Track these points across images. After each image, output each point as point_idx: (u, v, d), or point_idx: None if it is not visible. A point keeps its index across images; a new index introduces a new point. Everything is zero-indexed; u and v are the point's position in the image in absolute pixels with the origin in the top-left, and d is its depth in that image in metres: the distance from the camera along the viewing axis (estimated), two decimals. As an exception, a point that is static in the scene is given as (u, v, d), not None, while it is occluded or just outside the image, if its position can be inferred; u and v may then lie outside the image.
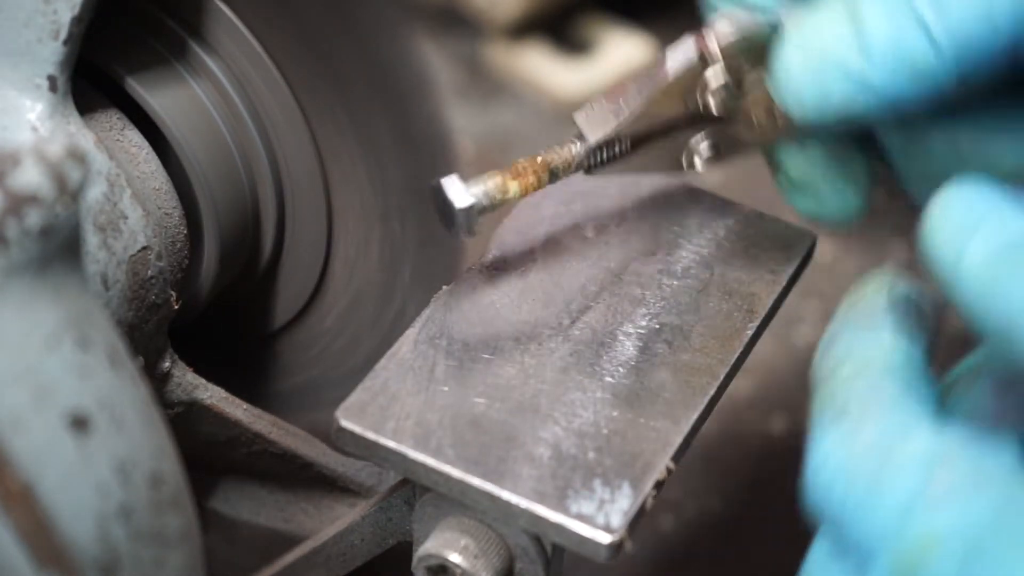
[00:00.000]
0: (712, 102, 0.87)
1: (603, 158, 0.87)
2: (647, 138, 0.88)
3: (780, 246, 0.94)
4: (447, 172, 0.90)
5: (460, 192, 0.84)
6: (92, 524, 0.69)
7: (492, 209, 0.85)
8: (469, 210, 0.83)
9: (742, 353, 0.88)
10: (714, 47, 0.86)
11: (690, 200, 0.96)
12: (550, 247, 0.92)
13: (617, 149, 0.87)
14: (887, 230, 1.36)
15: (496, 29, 1.51)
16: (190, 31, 0.94)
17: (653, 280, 0.91)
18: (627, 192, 0.96)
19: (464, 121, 1.44)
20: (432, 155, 0.91)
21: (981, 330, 0.69)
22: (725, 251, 0.93)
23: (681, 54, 0.86)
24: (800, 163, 0.89)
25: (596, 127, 0.87)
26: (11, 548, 0.68)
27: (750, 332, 0.89)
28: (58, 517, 0.68)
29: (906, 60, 0.78)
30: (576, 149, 0.87)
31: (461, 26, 1.52)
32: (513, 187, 0.85)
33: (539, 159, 0.86)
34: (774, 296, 0.91)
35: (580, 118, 0.87)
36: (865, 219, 1.33)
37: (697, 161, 0.89)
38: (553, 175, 0.86)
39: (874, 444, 0.70)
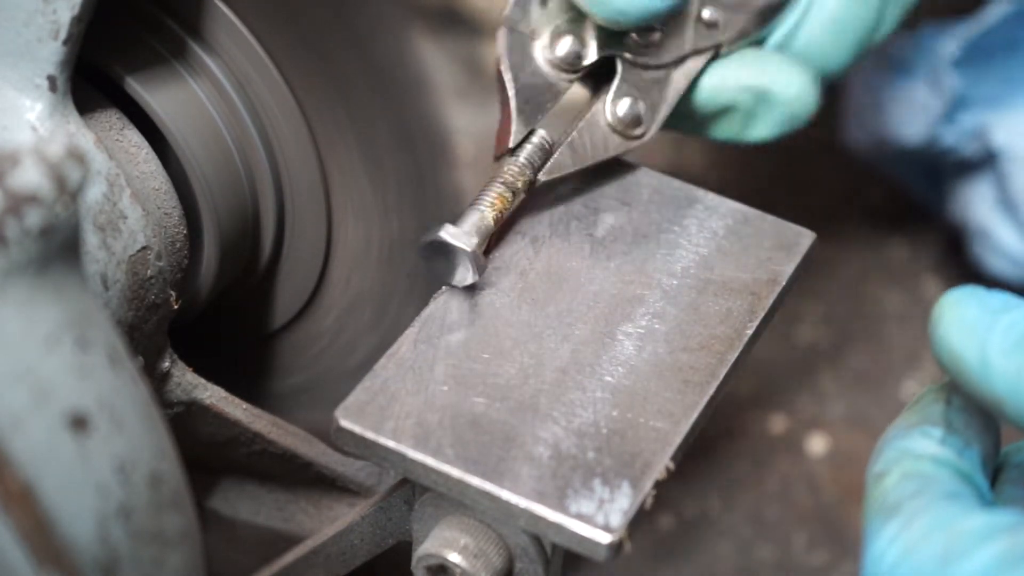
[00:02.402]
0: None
1: (539, 159, 0.93)
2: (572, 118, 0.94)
3: (780, 246, 0.94)
4: (447, 172, 0.91)
5: (461, 236, 0.87)
6: (92, 524, 0.69)
7: (483, 245, 0.89)
8: (475, 252, 0.87)
9: (742, 353, 0.88)
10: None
11: (690, 200, 0.96)
12: (550, 247, 0.92)
13: (541, 141, 0.93)
14: (886, 229, 1.36)
15: (496, 29, 1.50)
16: (190, 31, 0.94)
17: (653, 280, 0.91)
18: (627, 192, 0.96)
19: (464, 121, 1.44)
20: (431, 155, 0.91)
21: (1015, 419, 0.71)
22: (725, 251, 0.93)
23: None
24: None
25: (522, 123, 0.92)
26: (11, 548, 0.68)
27: (750, 332, 0.89)
28: (58, 517, 0.68)
29: None
30: (519, 160, 0.92)
31: (461, 26, 1.52)
32: (492, 216, 0.89)
33: (500, 184, 0.91)
34: (774, 296, 0.91)
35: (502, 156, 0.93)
36: (865, 219, 1.33)
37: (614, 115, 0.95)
38: (515, 193, 0.91)
39: (931, 529, 0.71)
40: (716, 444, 1.21)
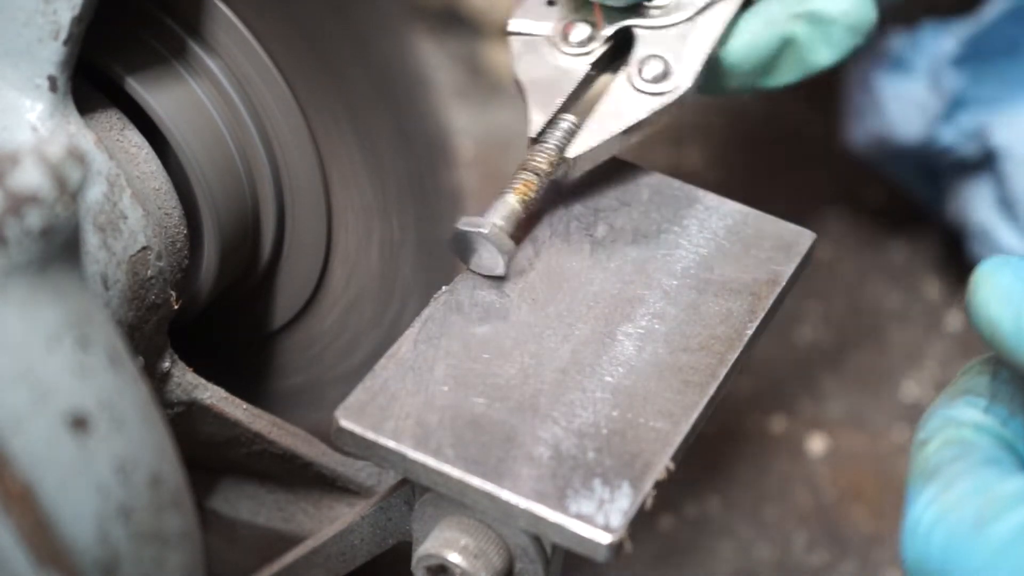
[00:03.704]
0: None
1: (566, 141, 0.92)
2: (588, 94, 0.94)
3: (780, 246, 0.94)
4: (447, 172, 0.91)
5: (481, 223, 0.88)
6: (92, 524, 0.69)
7: (510, 231, 0.89)
8: (499, 238, 0.88)
9: (742, 353, 0.88)
10: None
11: (690, 200, 0.96)
12: (550, 247, 0.92)
13: (571, 123, 0.92)
14: (886, 229, 1.36)
15: (496, 29, 1.51)
16: (190, 31, 0.94)
17: (653, 280, 0.91)
18: (627, 192, 0.96)
19: (464, 121, 1.44)
20: (431, 155, 0.91)
21: None
22: (725, 251, 0.93)
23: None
24: None
25: (540, 111, 0.92)
26: (11, 548, 0.68)
27: (750, 332, 0.89)
28: (58, 517, 0.68)
29: None
30: (543, 145, 0.91)
31: (461, 26, 1.52)
32: (517, 200, 0.90)
33: (523, 170, 0.90)
34: (774, 296, 0.91)
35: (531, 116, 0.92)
36: (865, 219, 1.33)
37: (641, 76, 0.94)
38: (541, 178, 0.91)
39: (968, 493, 0.72)
40: (716, 444, 1.21)
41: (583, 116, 0.93)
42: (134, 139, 0.92)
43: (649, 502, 0.80)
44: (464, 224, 0.88)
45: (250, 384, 1.04)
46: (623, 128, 0.92)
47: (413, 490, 0.85)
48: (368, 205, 0.96)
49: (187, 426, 0.96)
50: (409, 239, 0.95)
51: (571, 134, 0.92)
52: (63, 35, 0.86)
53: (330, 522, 0.96)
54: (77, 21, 0.86)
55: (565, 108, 0.93)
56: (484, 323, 0.88)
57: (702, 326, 0.89)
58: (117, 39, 0.93)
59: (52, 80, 0.87)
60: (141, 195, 0.91)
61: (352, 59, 0.90)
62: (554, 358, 0.86)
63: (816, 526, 1.17)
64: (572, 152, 0.92)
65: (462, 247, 0.89)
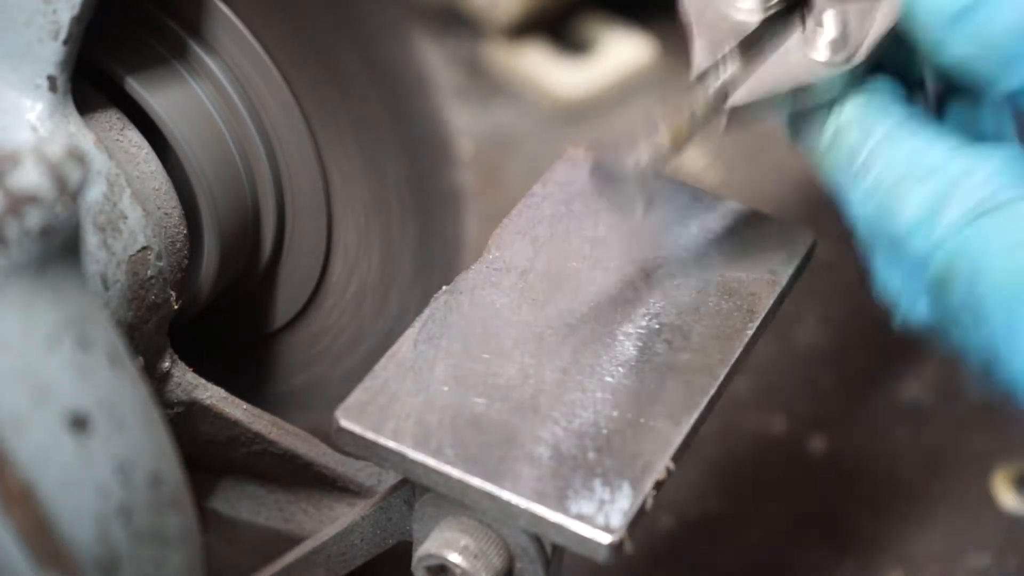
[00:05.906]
0: None
1: (728, 84, 0.85)
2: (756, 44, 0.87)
3: (780, 246, 0.94)
4: (446, 172, 0.91)
5: (623, 162, 0.81)
6: (92, 524, 0.69)
7: (658, 167, 0.82)
8: (644, 176, 0.82)
9: (742, 353, 0.88)
10: None
11: (690, 200, 0.96)
12: (550, 247, 0.92)
13: (731, 69, 0.85)
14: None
15: (496, 29, 1.51)
16: (190, 31, 0.94)
17: (653, 280, 0.91)
18: (627, 192, 0.96)
19: (464, 121, 1.44)
20: (432, 155, 0.91)
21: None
22: (725, 251, 0.93)
23: None
24: None
25: (706, 53, 0.85)
26: (11, 548, 0.68)
27: (750, 332, 0.89)
28: (58, 517, 0.68)
29: None
30: (708, 83, 0.84)
31: (461, 26, 1.52)
32: (668, 139, 0.82)
33: (685, 109, 0.83)
34: (774, 296, 0.91)
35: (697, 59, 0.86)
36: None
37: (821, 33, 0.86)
38: (696, 119, 0.84)
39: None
40: (716, 444, 1.21)
41: (749, 70, 0.86)
42: (134, 139, 0.92)
43: (649, 502, 0.80)
44: (607, 157, 0.81)
45: (250, 384, 1.04)
46: (790, 87, 0.85)
47: (413, 490, 0.85)
48: (368, 205, 0.96)
49: (187, 426, 0.96)
50: (409, 239, 0.95)
51: (734, 85, 0.85)
52: (63, 35, 0.86)
53: (330, 522, 0.96)
54: (77, 21, 0.86)
55: (732, 57, 0.85)
56: (484, 323, 0.88)
57: (702, 326, 0.89)
58: (117, 39, 0.93)
59: (52, 80, 0.87)
60: (141, 195, 0.91)
61: (352, 59, 0.91)
62: (554, 358, 0.86)
63: (816, 526, 1.17)
64: (732, 102, 0.84)
65: (604, 182, 0.82)
